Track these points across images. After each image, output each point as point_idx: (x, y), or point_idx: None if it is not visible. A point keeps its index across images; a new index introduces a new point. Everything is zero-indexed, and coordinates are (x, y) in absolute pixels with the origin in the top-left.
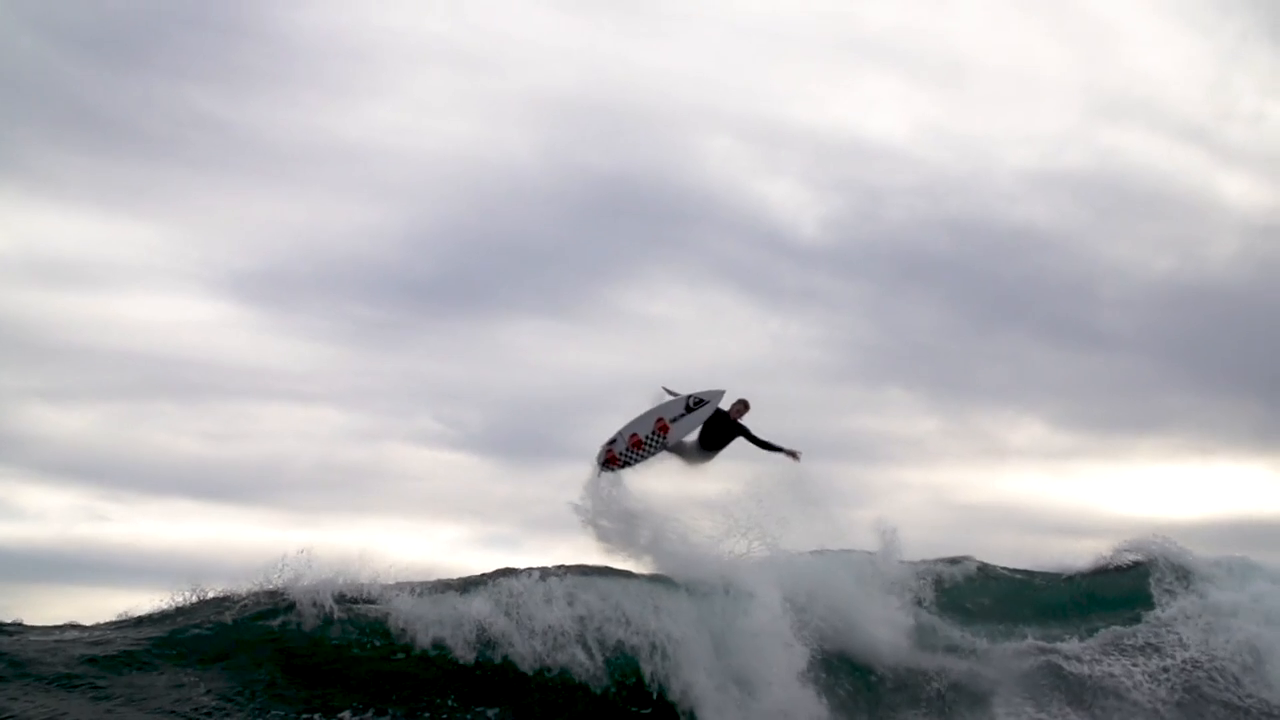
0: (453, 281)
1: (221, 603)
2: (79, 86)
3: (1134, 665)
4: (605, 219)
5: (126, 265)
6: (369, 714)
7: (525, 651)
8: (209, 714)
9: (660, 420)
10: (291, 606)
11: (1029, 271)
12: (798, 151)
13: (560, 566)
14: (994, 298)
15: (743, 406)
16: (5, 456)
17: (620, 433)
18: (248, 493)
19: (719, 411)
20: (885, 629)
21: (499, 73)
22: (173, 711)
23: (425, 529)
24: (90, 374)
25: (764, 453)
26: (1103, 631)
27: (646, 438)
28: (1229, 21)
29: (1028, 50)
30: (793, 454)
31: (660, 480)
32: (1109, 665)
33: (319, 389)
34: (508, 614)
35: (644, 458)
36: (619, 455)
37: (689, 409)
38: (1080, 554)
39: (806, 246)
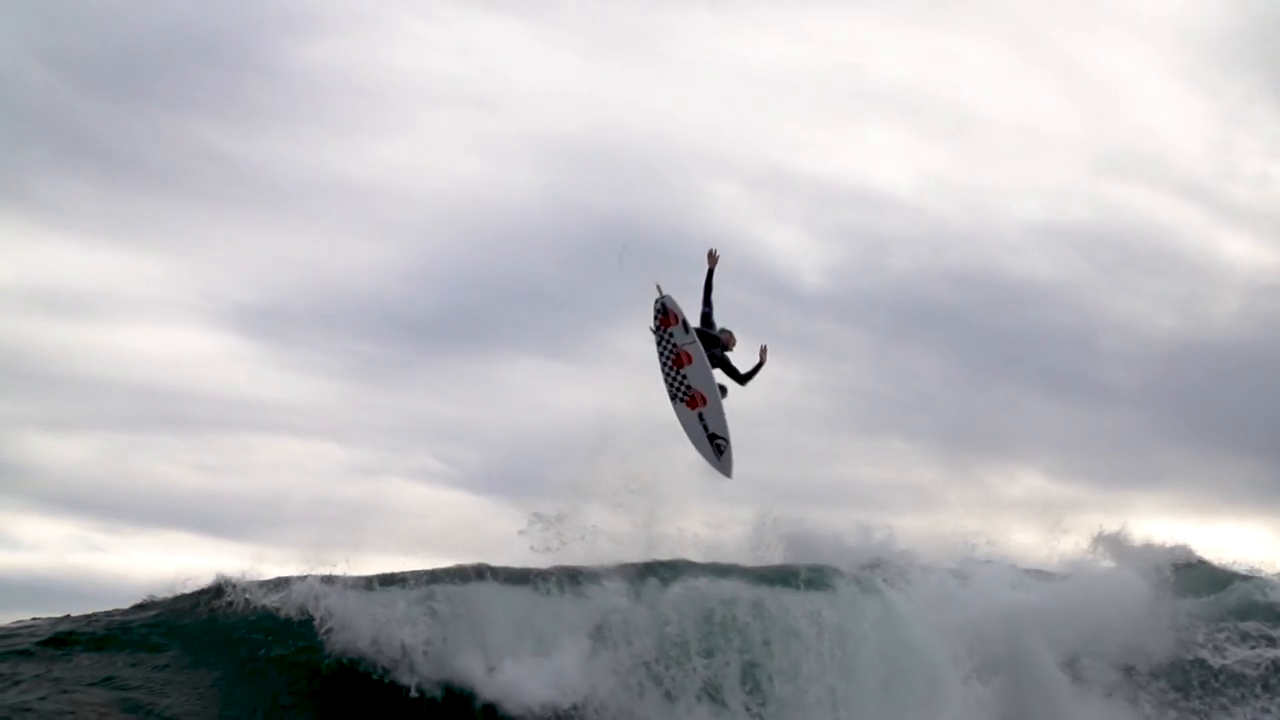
0: (454, 320)
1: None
2: (86, 118)
3: None
4: (608, 262)
5: (128, 296)
6: None
7: None
8: None
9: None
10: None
11: (1031, 324)
12: (801, 199)
13: None
14: (995, 349)
15: (731, 338)
16: (3, 486)
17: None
18: (245, 527)
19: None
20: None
21: (506, 114)
22: None
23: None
24: (90, 404)
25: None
26: None
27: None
28: (1234, 84)
29: (1034, 105)
30: (763, 353)
31: None
32: None
33: (318, 424)
34: None
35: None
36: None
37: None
38: None
39: (808, 294)
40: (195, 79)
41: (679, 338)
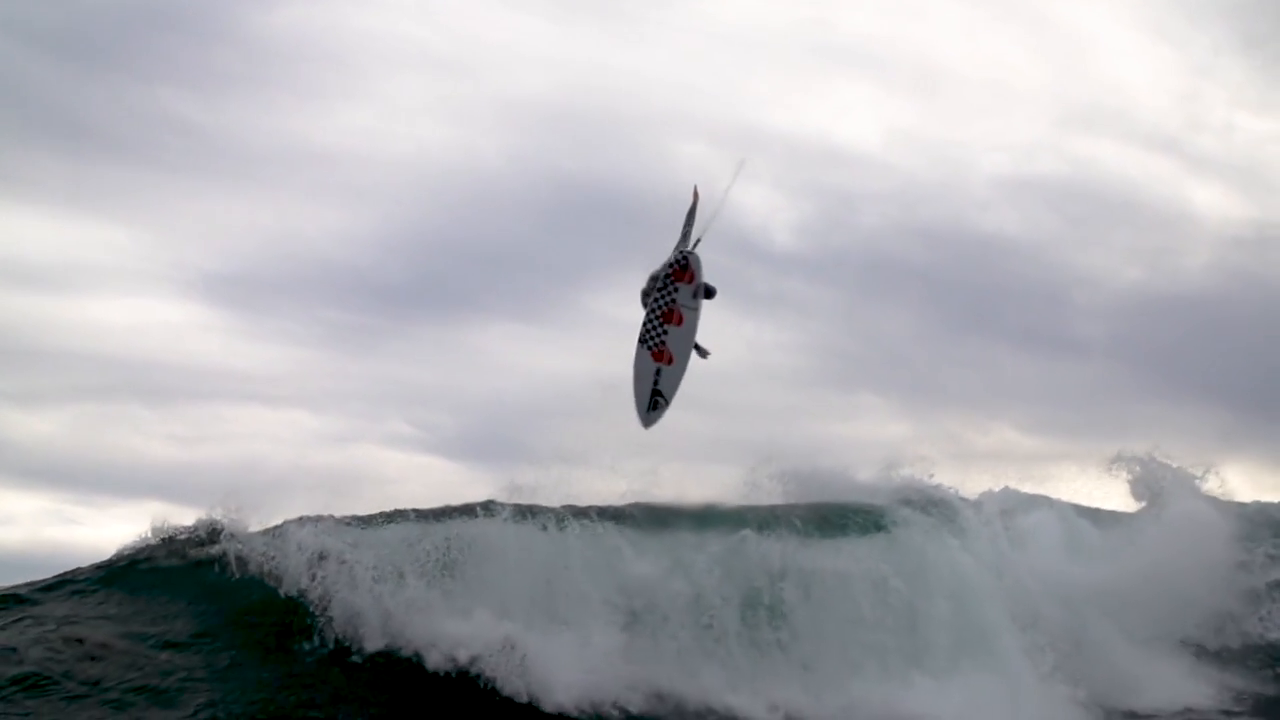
0: (424, 285)
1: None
2: (51, 89)
3: None
4: (577, 223)
5: (97, 268)
6: None
7: None
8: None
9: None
10: None
11: (1000, 278)
12: (771, 157)
13: None
14: (966, 304)
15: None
16: None
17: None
18: (219, 496)
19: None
20: None
21: (471, 77)
22: None
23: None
24: (60, 377)
25: None
26: None
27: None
28: (1200, 34)
29: (1001, 59)
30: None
31: None
32: None
33: (290, 392)
34: None
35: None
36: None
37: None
38: None
39: (779, 252)
40: (161, 48)
41: (682, 297)
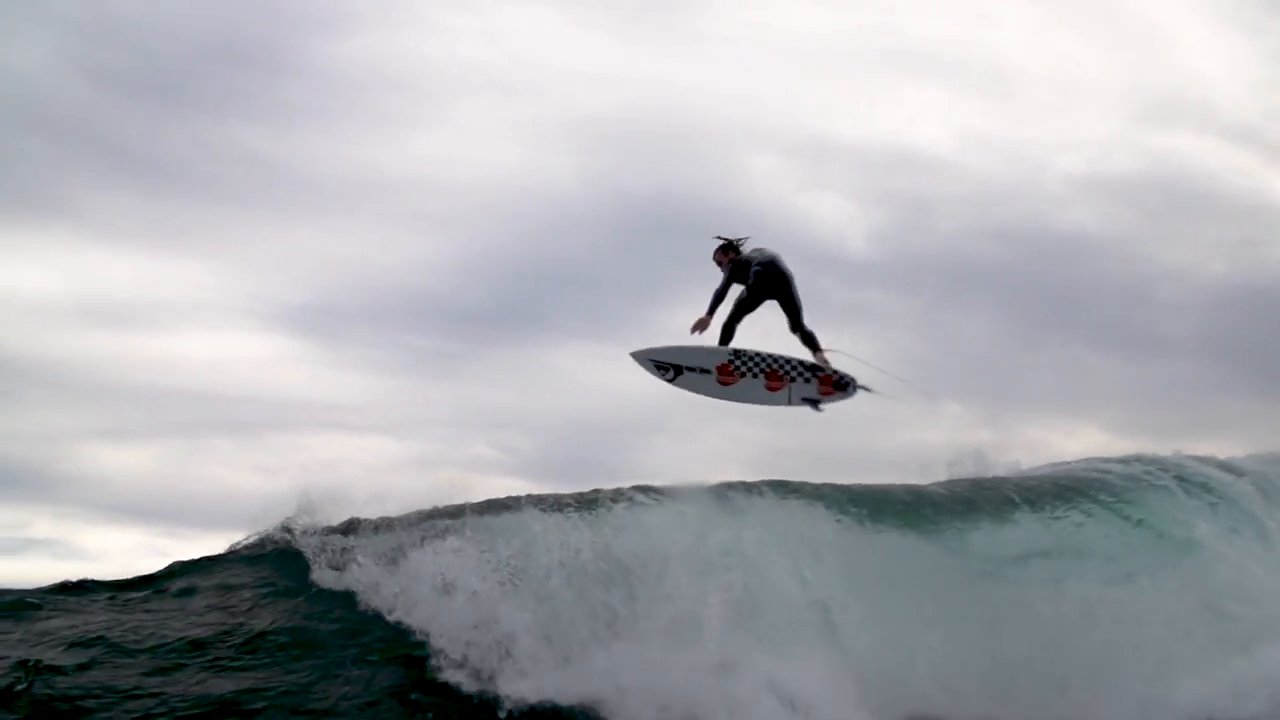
0: (501, 308)
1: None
2: (125, 129)
3: None
4: (650, 241)
5: (178, 303)
6: None
7: None
8: None
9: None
10: None
11: (1081, 278)
12: (843, 165)
13: None
14: (1046, 305)
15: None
16: (66, 497)
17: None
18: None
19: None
20: None
21: (539, 99)
22: None
23: None
24: (146, 412)
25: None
26: None
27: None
28: (1275, 20)
29: (1071, 56)
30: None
31: None
32: None
33: (374, 420)
34: None
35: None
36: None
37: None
38: None
39: (855, 260)
40: (230, 84)
41: (806, 390)
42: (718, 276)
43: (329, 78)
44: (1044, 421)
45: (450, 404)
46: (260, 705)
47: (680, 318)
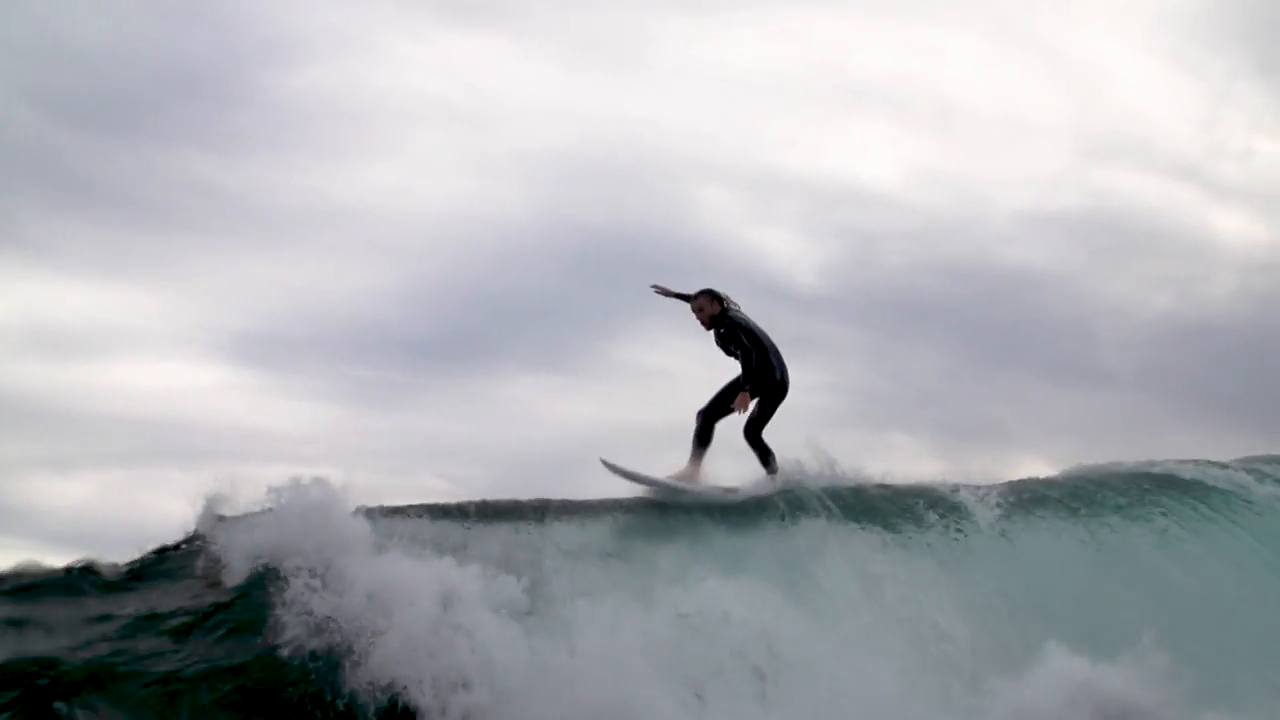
0: (451, 339)
1: None
2: (74, 156)
3: None
4: (602, 273)
5: (125, 332)
6: None
7: None
8: None
9: None
10: None
11: (1027, 312)
12: (792, 199)
13: None
14: (993, 339)
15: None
16: (10, 529)
17: None
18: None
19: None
20: None
21: (492, 131)
22: None
23: None
24: (91, 442)
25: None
26: None
27: None
28: (1217, 60)
29: (1017, 93)
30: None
31: None
32: None
33: (322, 449)
34: None
35: None
36: None
37: None
38: None
39: (804, 294)
40: (182, 113)
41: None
42: (667, 309)
43: (280, 107)
44: (991, 453)
45: (399, 434)
46: None
47: (633, 349)
